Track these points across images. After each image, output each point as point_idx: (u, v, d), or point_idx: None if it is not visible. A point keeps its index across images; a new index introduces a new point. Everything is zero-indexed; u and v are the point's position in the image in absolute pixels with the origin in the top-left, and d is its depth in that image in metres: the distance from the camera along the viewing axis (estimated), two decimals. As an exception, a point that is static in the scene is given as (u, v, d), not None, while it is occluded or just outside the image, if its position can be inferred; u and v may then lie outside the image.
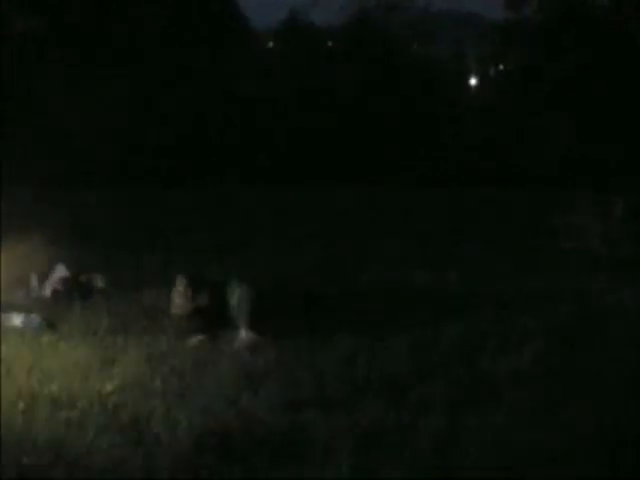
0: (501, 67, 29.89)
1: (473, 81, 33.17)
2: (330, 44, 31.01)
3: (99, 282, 8.58)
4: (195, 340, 6.83)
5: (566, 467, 4.52)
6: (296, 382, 5.81)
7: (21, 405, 5.28)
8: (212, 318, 6.96)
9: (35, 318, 7.24)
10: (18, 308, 7.51)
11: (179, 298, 7.05)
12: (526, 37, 25.69)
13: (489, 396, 5.56)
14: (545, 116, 22.68)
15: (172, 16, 23.72)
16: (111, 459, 4.56)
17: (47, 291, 8.32)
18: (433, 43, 30.47)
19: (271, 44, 32.50)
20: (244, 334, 6.79)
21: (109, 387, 5.66)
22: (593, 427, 4.95)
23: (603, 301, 8.17)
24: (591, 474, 4.47)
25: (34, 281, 8.41)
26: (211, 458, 4.61)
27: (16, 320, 7.19)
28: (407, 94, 24.77)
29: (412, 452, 4.69)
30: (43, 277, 8.45)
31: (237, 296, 6.97)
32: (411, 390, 5.65)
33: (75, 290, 8.29)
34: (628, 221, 10.50)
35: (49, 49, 21.94)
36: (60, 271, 8.50)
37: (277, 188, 19.16)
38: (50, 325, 7.20)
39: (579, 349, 6.62)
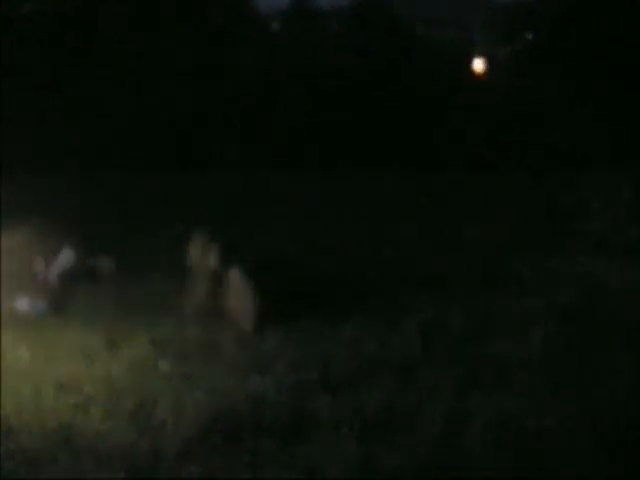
0: (508, 49, 29.68)
1: (480, 64, 32.98)
2: (336, 27, 30.79)
3: (105, 266, 8.54)
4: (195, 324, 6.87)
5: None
6: (303, 365, 5.79)
7: (28, 390, 5.28)
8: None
9: (41, 302, 7.23)
10: (24, 292, 7.50)
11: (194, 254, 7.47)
12: (535, 18, 25.43)
13: (496, 380, 5.54)
14: (555, 97, 22.49)
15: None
16: (117, 445, 4.55)
17: (53, 275, 8.30)
18: (439, 25, 30.23)
19: (277, 26, 32.30)
20: None
21: (115, 371, 5.65)
22: (594, 417, 4.91)
23: (609, 285, 8.11)
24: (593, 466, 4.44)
25: (40, 265, 8.38)
26: (219, 441, 4.60)
27: (22, 304, 7.17)
28: (413, 77, 24.62)
29: (418, 434, 4.67)
30: (49, 261, 8.43)
31: None
32: (418, 373, 5.63)
33: (81, 274, 8.26)
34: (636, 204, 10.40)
35: (51, 36, 21.81)
36: (67, 255, 8.47)
37: (279, 173, 19.00)
38: (56, 309, 7.19)
39: (584, 333, 6.57)
